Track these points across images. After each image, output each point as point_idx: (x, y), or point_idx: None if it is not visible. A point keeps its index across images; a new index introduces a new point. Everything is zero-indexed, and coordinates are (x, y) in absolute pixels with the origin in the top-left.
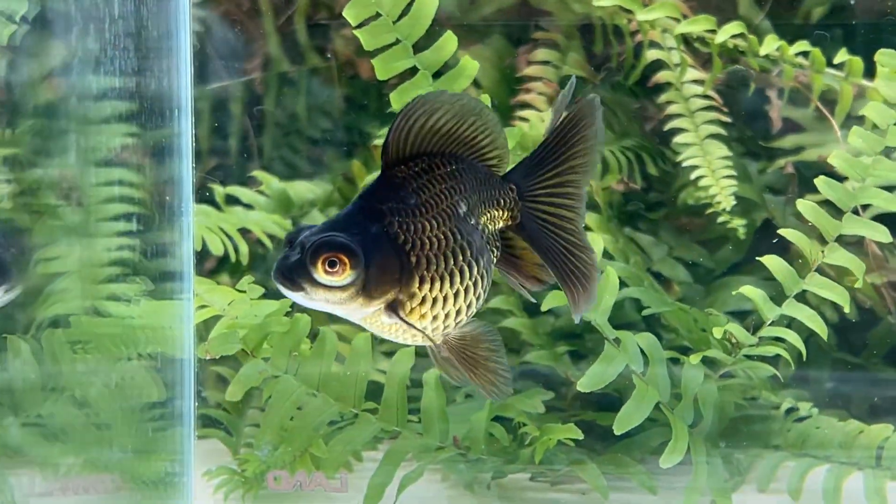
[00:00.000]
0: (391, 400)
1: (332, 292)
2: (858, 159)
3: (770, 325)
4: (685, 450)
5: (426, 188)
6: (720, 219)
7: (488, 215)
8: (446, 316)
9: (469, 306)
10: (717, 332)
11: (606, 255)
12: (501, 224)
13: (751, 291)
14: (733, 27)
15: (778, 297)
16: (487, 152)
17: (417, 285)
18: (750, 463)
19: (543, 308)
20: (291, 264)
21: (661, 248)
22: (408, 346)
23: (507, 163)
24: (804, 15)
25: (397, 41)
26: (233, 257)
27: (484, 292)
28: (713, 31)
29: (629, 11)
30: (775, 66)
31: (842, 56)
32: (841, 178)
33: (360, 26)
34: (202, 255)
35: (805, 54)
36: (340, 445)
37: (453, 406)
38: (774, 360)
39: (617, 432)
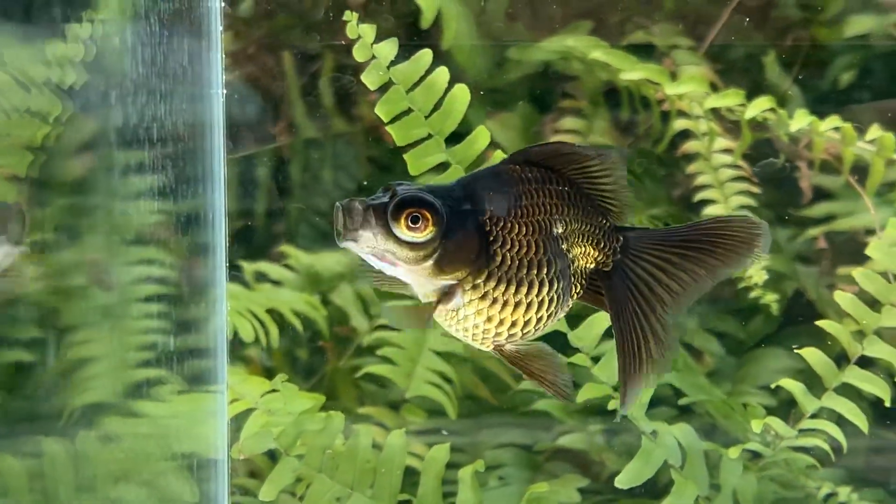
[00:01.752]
0: (427, 497)
1: (402, 247)
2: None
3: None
4: None
5: (530, 195)
6: (752, 294)
7: (582, 249)
8: (501, 322)
9: (527, 323)
10: (756, 426)
11: None
12: (592, 264)
13: (790, 384)
14: (763, 102)
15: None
16: (608, 198)
17: (485, 279)
18: None
19: (579, 400)
20: (375, 204)
21: (693, 319)
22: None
23: (625, 218)
24: (832, 80)
25: (429, 136)
26: (263, 342)
27: (548, 317)
28: (742, 105)
29: (657, 83)
30: (805, 137)
31: (874, 132)
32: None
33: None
34: (233, 341)
35: (836, 128)
36: None
37: (488, 492)
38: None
39: None
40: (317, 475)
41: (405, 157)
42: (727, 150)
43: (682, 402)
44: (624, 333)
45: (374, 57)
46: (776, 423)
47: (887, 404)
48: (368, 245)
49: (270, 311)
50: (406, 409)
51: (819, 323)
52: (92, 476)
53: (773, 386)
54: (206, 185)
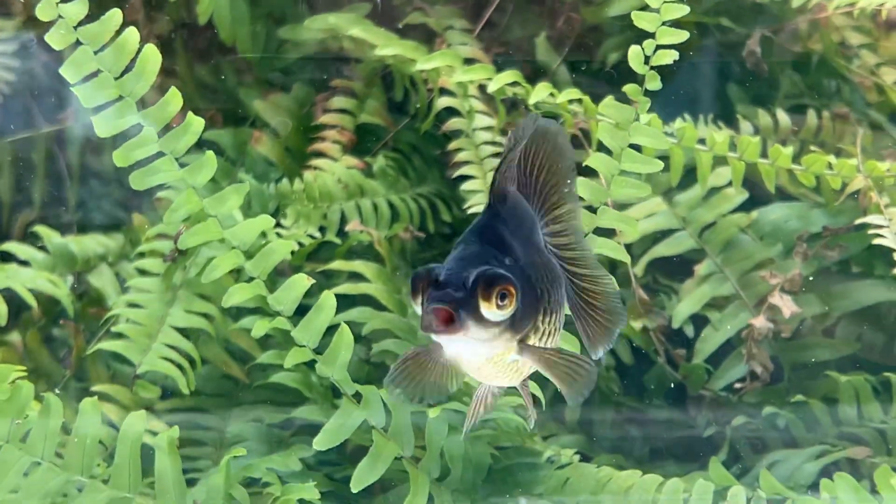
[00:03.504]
0: (123, 465)
1: (488, 329)
2: (585, 211)
3: None
4: (425, 503)
5: (523, 223)
6: None
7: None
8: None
9: (556, 342)
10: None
11: (379, 306)
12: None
13: None
14: (507, 76)
15: None
16: (553, 184)
17: (542, 317)
18: None
19: (287, 365)
20: (457, 299)
21: None
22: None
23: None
24: (601, 60)
25: (120, 97)
26: None
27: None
28: (490, 79)
29: (413, 60)
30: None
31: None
32: None
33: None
34: None
35: (579, 101)
36: None
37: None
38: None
39: (354, 490)
40: (4, 444)
41: (93, 119)
42: (489, 128)
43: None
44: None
45: (59, 17)
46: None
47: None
48: (460, 345)
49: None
50: (140, 385)
51: None
52: None
53: None
54: None
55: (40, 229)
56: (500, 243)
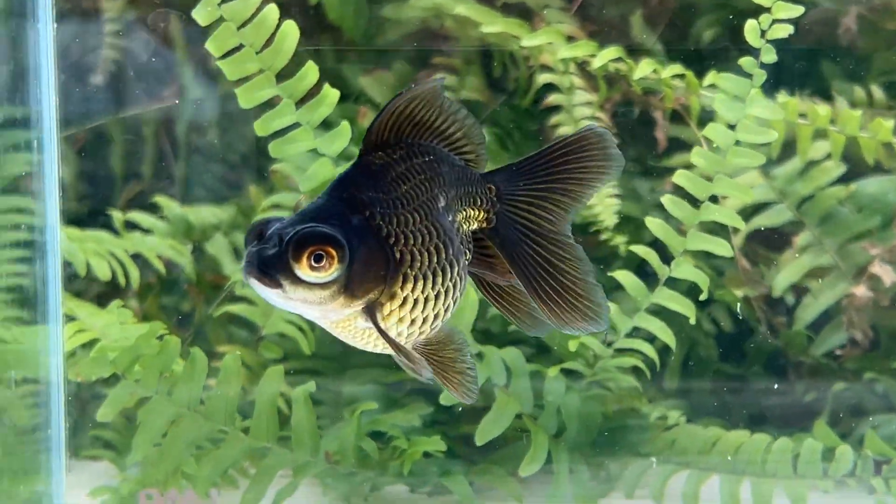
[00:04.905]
0: (262, 418)
1: (312, 290)
2: (700, 179)
3: (629, 337)
4: (544, 458)
5: (406, 178)
6: (602, 236)
7: (464, 213)
8: (424, 320)
9: (447, 310)
10: (573, 345)
11: None
12: (476, 225)
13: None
14: (611, 52)
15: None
16: (462, 145)
17: (401, 284)
18: (620, 471)
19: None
20: (268, 257)
21: None
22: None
23: (484, 161)
24: (695, 39)
25: (260, 71)
26: (122, 282)
27: (460, 297)
28: (595, 56)
29: (517, 37)
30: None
31: (712, 78)
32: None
33: (224, 57)
34: (93, 280)
35: (682, 76)
36: (211, 463)
37: (323, 422)
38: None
39: (479, 443)
40: (154, 395)
41: (236, 91)
42: (588, 104)
43: (511, 328)
44: (525, 267)
45: None
46: (592, 341)
47: (692, 322)
48: (281, 302)
49: (135, 256)
50: (263, 346)
51: (632, 248)
52: None
53: None
54: (39, 147)
55: (160, 199)
56: (353, 198)
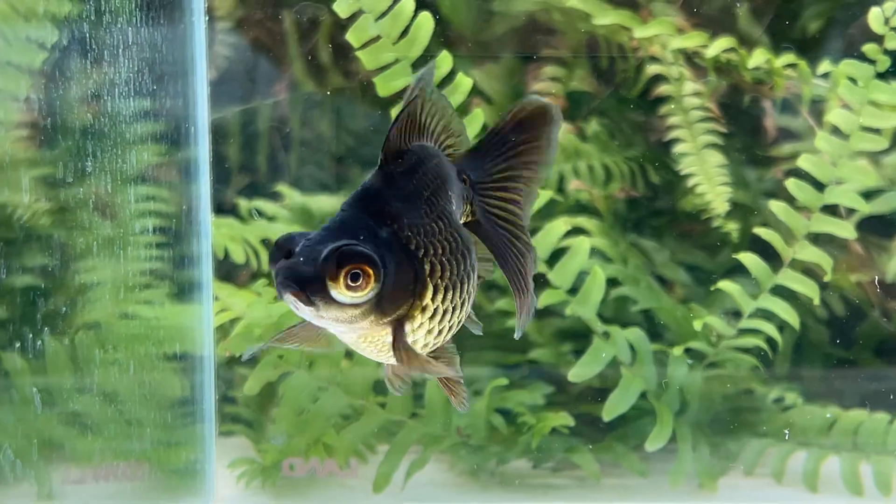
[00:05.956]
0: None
1: (344, 310)
2: (824, 161)
3: (751, 318)
4: (669, 435)
5: (425, 184)
6: (715, 224)
7: (462, 211)
8: (449, 329)
9: (461, 320)
10: (697, 325)
11: (605, 257)
12: (463, 219)
13: (728, 286)
14: (724, 42)
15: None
16: (444, 139)
17: (431, 296)
18: (739, 450)
19: (540, 305)
20: (303, 276)
21: (664, 252)
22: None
23: (465, 145)
24: (801, 29)
25: (396, 61)
26: (254, 265)
27: (471, 304)
28: (706, 46)
29: (629, 29)
30: (769, 79)
31: (825, 67)
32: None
33: (362, 48)
34: (231, 265)
35: (794, 66)
36: (350, 435)
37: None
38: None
39: (606, 419)
40: (296, 371)
41: (375, 80)
42: (697, 94)
43: (634, 308)
44: (504, 254)
45: None
46: (715, 321)
47: (816, 302)
48: (313, 318)
49: (263, 241)
50: None
51: (756, 230)
52: (89, 372)
53: (711, 289)
54: (193, 136)
55: (282, 188)
56: (380, 211)
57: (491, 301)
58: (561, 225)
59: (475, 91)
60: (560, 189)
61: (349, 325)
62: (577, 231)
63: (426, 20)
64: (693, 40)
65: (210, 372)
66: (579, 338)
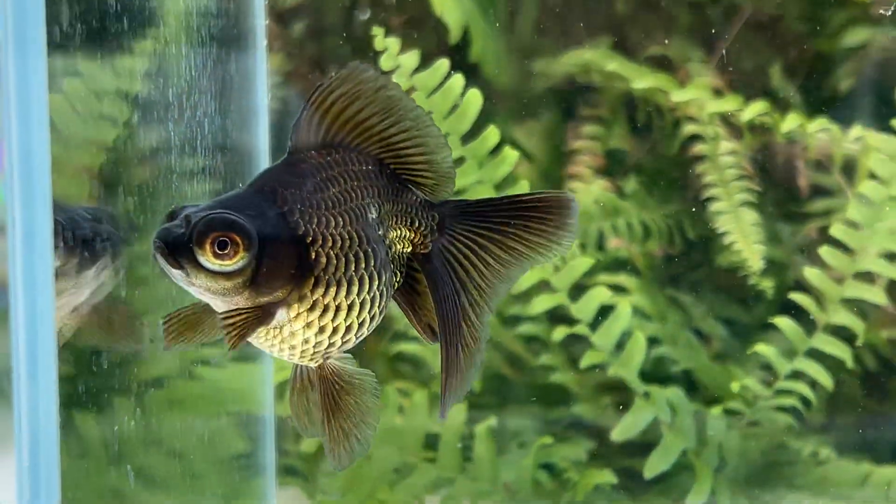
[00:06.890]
0: (447, 449)
1: (215, 279)
2: (856, 231)
3: (786, 379)
4: (709, 491)
5: (337, 181)
6: (751, 281)
7: (398, 233)
8: (334, 331)
9: (361, 325)
10: (735, 386)
11: (644, 315)
12: (409, 248)
13: (764, 349)
14: (758, 107)
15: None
16: (420, 171)
17: (312, 286)
18: (776, 503)
19: (583, 365)
20: (174, 238)
21: (701, 306)
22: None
23: (446, 192)
24: (832, 88)
25: (447, 135)
26: None
27: (379, 315)
28: (741, 109)
29: (666, 91)
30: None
31: (857, 131)
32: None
33: None
34: None
35: (826, 130)
36: (403, 490)
37: (509, 454)
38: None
39: (647, 476)
40: None
41: None
42: (733, 153)
43: (675, 369)
44: (446, 322)
45: (398, 66)
46: (752, 382)
47: (849, 366)
48: (185, 285)
49: None
50: (435, 383)
51: (792, 296)
52: (157, 429)
53: (748, 352)
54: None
55: None
56: (274, 192)
57: (535, 355)
58: (603, 291)
59: (517, 148)
60: (600, 247)
61: (222, 297)
62: (616, 288)
63: (475, 97)
64: (729, 104)
65: (270, 429)
66: (620, 391)
